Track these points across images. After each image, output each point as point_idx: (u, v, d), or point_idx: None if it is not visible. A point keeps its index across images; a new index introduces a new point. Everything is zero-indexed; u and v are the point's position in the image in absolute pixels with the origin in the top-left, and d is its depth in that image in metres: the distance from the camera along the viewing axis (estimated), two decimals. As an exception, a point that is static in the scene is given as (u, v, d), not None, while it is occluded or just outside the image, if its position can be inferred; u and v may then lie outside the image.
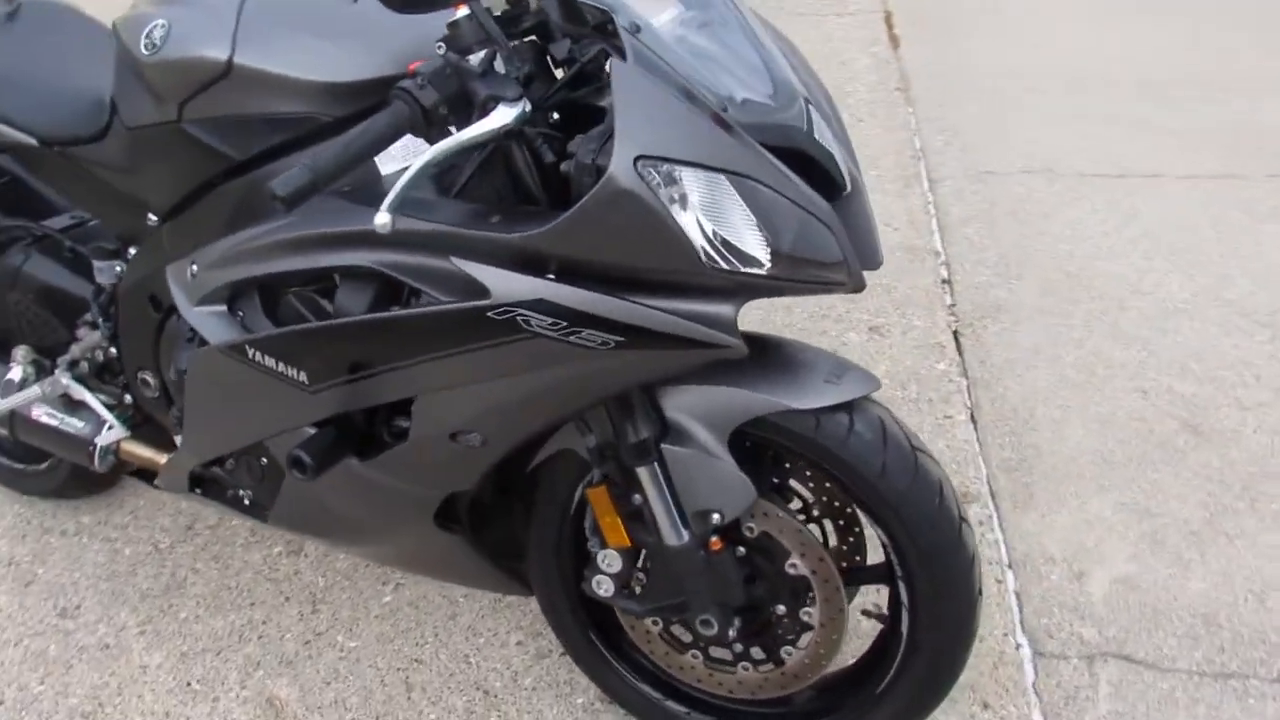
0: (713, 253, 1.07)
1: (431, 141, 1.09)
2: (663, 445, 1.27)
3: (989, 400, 2.24)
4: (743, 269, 1.08)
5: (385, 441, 1.35)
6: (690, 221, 1.05)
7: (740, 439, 1.27)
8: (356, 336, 1.23)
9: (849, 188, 1.20)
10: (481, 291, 1.11)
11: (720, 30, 1.20)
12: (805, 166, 1.15)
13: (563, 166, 1.12)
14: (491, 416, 1.24)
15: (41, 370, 1.77)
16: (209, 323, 1.36)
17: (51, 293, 1.74)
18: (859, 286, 1.16)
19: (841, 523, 1.43)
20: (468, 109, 1.09)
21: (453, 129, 1.09)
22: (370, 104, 1.14)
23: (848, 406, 1.25)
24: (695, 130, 1.07)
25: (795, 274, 1.11)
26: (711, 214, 1.06)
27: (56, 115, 1.55)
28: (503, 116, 1.07)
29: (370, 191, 1.21)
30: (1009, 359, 2.36)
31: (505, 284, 1.10)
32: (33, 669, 1.82)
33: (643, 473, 1.29)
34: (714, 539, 1.31)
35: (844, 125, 1.29)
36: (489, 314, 1.11)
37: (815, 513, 1.43)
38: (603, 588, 1.39)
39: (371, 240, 1.14)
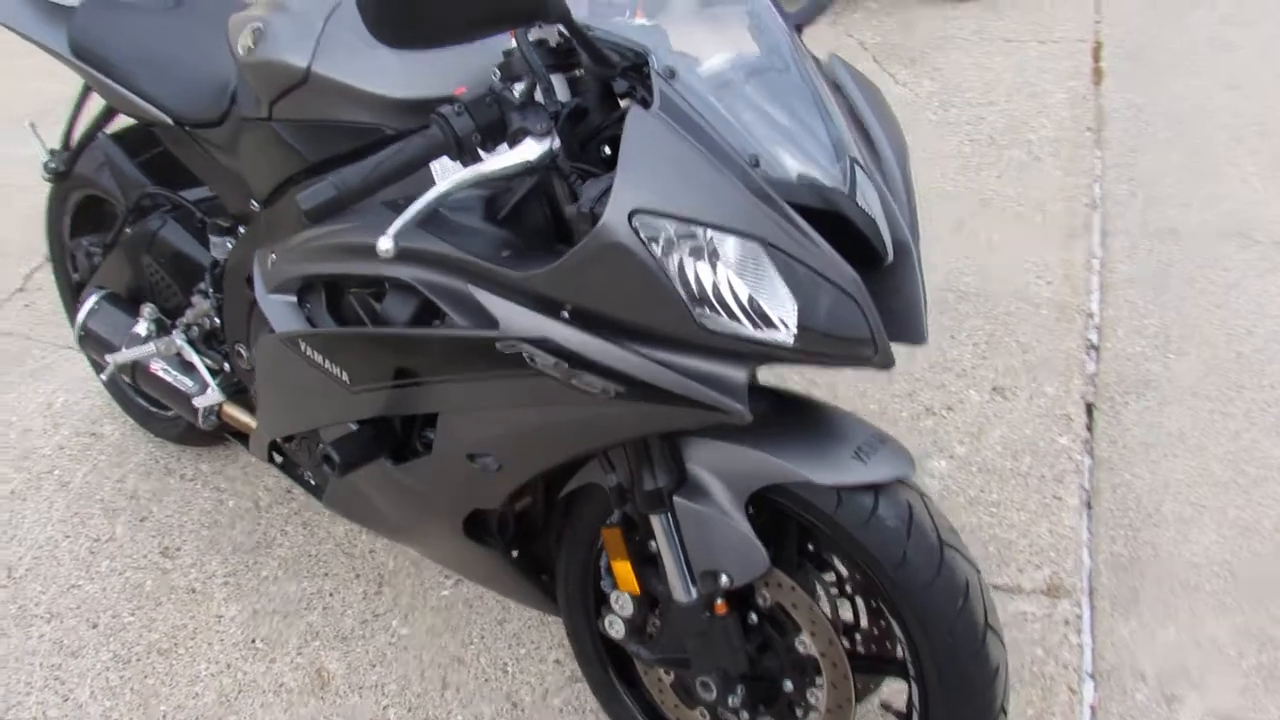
0: (717, 314, 1.01)
1: (465, 167, 1.08)
2: (676, 497, 1.22)
3: (1111, 486, 2.04)
4: (752, 335, 1.02)
5: (416, 449, 1.37)
6: (687, 279, 1.01)
7: (771, 504, 1.21)
8: (388, 347, 1.25)
9: (890, 258, 1.11)
10: (492, 322, 1.11)
11: (777, 78, 1.14)
12: (847, 230, 1.08)
13: (567, 210, 1.09)
14: (505, 443, 1.23)
15: (162, 329, 1.91)
16: (277, 310, 1.42)
17: (177, 259, 1.87)
18: (887, 364, 1.07)
19: (874, 604, 1.34)
20: (503, 138, 1.08)
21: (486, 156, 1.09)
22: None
23: (875, 487, 1.16)
24: (709, 186, 1.02)
25: (814, 345, 1.04)
26: (723, 275, 1.01)
27: (191, 97, 1.66)
28: (526, 151, 1.06)
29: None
30: (1145, 442, 2.14)
31: (514, 318, 1.09)
32: (128, 599, 1.99)
33: (655, 522, 1.25)
34: (720, 601, 1.25)
35: (909, 188, 1.19)
36: (498, 345, 1.10)
37: (848, 589, 1.35)
38: (614, 628, 1.37)
39: (408, 255, 1.15)
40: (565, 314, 1.08)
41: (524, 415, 1.18)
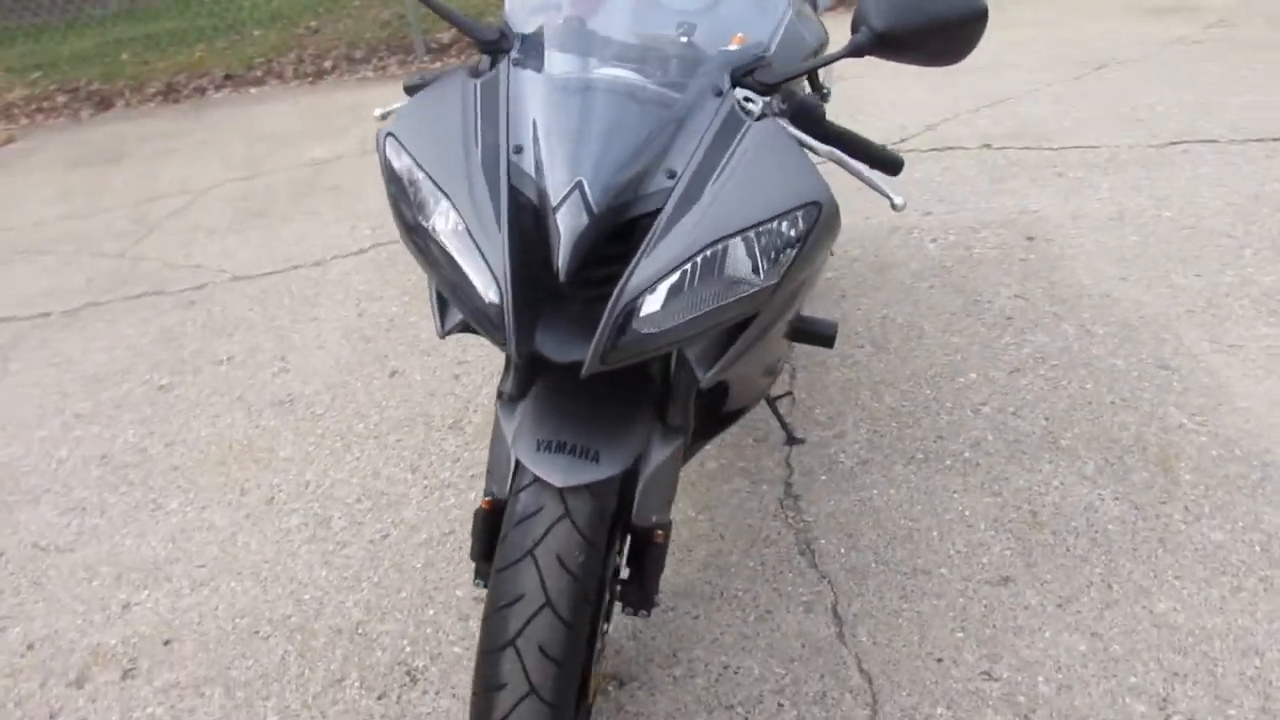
0: (425, 237, 1.25)
1: None
2: None
3: None
4: (441, 264, 1.24)
5: None
6: (409, 200, 1.26)
7: None
8: None
9: (561, 276, 1.17)
10: None
11: (628, 104, 1.27)
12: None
13: None
14: None
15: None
16: None
17: None
18: (510, 354, 1.19)
19: None
20: None
21: None
22: None
23: (536, 478, 1.32)
24: (444, 145, 1.26)
25: (469, 310, 1.20)
26: (419, 206, 1.25)
27: None
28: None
29: None
30: None
31: None
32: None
33: None
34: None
35: (684, 247, 1.20)
36: None
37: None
38: None
39: None
40: None
41: None
